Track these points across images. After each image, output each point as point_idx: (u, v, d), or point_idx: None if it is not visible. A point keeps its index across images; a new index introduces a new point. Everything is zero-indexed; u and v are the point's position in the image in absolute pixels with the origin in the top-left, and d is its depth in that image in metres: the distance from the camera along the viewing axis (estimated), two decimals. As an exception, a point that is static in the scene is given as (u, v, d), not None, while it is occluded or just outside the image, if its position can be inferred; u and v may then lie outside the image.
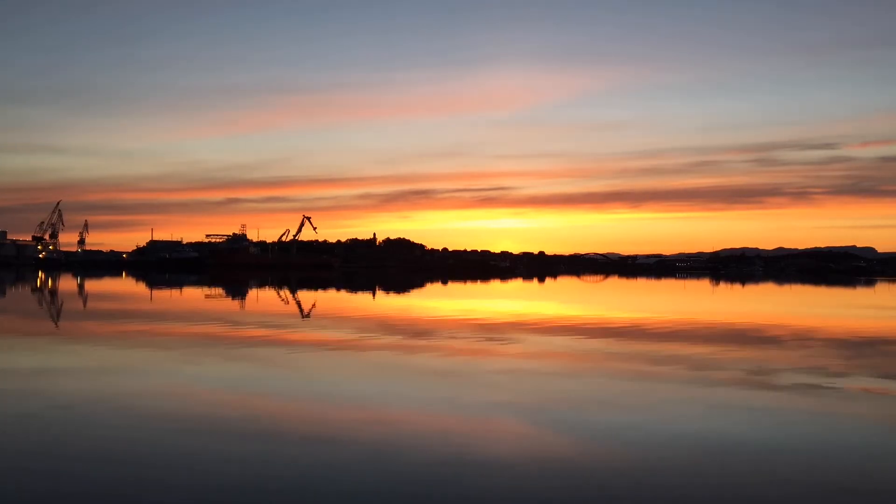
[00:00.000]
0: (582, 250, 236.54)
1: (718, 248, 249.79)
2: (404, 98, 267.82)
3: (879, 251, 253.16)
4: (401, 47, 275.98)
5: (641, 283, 72.91)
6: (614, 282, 76.60)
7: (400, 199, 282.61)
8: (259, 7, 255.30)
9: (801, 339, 17.11)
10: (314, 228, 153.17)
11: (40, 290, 41.01)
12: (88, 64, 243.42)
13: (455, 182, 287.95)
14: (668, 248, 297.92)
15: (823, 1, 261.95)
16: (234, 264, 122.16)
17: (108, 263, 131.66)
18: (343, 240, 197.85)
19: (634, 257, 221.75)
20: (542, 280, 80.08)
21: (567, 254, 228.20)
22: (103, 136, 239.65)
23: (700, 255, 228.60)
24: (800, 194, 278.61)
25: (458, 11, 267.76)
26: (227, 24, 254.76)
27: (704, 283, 71.41)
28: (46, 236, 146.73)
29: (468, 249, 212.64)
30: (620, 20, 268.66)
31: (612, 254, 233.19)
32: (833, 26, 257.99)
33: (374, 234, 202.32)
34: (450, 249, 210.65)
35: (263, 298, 35.22)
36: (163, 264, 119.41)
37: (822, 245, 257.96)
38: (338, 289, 46.77)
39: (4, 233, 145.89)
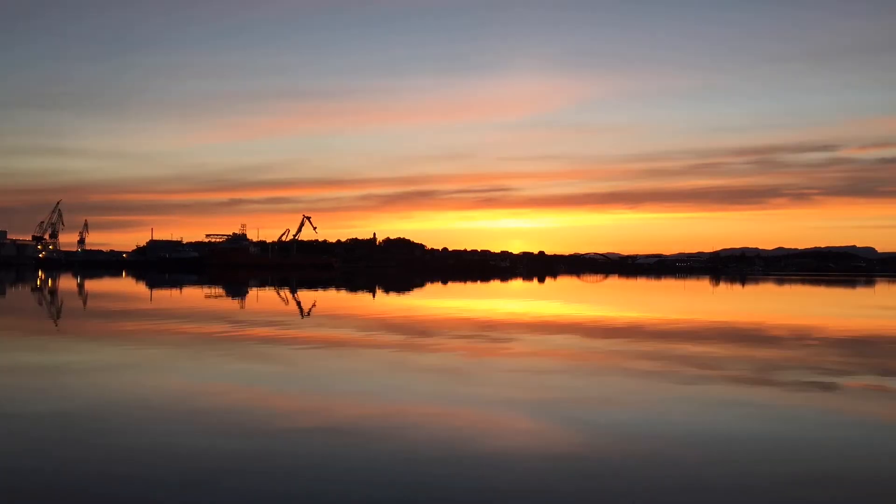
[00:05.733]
0: (582, 250, 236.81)
1: (718, 248, 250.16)
2: (407, 103, 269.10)
3: (879, 251, 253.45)
4: (404, 53, 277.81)
5: (641, 282, 72.91)
6: (614, 282, 76.59)
7: (401, 200, 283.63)
8: (264, 14, 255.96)
9: (802, 339, 17.12)
10: (314, 228, 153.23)
11: (40, 289, 41.01)
12: (94, 69, 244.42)
13: (456, 183, 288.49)
14: (668, 248, 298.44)
15: (823, 6, 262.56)
16: (234, 264, 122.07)
17: (108, 263, 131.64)
18: (343, 240, 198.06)
19: (634, 257, 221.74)
20: (542, 280, 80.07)
21: (567, 254, 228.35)
22: (109, 139, 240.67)
23: (700, 255, 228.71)
24: (800, 195, 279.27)
25: (462, 19, 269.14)
26: (232, 31, 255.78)
27: (704, 283, 71.41)
28: (46, 236, 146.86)
29: (468, 249, 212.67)
30: (622, 26, 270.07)
31: (612, 254, 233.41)
32: (832, 31, 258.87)
33: (374, 234, 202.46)
34: (450, 249, 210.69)
35: (264, 298, 35.22)
36: (163, 264, 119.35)
37: (822, 245, 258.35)
38: (338, 289, 46.77)
39: (4, 233, 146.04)
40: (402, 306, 29.22)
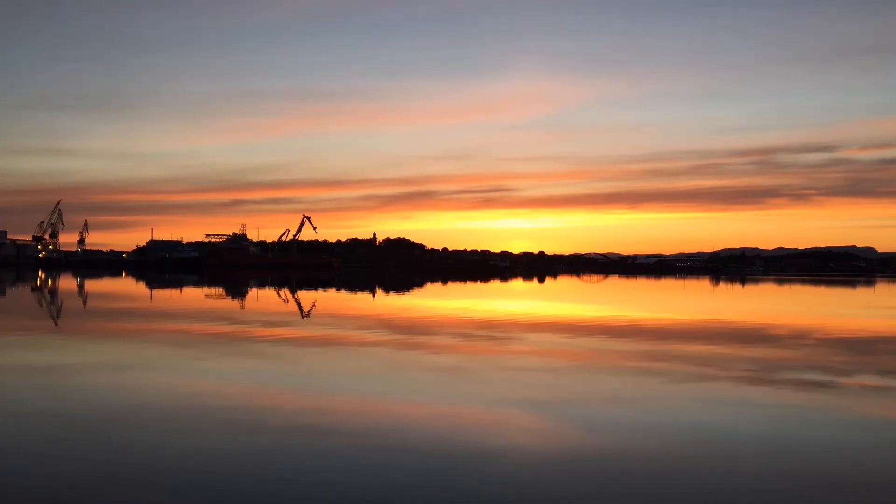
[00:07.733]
0: (582, 250, 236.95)
1: (718, 248, 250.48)
2: (407, 103, 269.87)
3: (879, 251, 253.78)
4: (404, 54, 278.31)
5: (641, 282, 72.90)
6: (614, 281, 76.59)
7: (401, 200, 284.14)
8: (264, 16, 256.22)
9: (802, 339, 17.12)
10: (314, 228, 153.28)
11: (40, 289, 40.99)
12: (95, 70, 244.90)
13: (456, 183, 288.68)
14: (668, 248, 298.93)
15: (823, 8, 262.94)
16: (234, 264, 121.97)
17: (108, 263, 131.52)
18: (343, 240, 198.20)
19: (634, 257, 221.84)
20: (542, 280, 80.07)
21: (567, 254, 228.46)
22: (109, 139, 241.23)
23: (700, 255, 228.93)
24: (799, 196, 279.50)
25: (462, 20, 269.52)
26: (233, 33, 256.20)
27: (704, 283, 71.40)
28: (46, 236, 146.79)
29: (468, 249, 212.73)
30: (623, 28, 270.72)
31: (612, 254, 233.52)
32: (832, 33, 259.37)
33: (374, 234, 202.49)
34: (450, 249, 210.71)
35: (264, 298, 35.22)
36: (163, 264, 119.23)
37: (822, 245, 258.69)
38: (338, 289, 46.77)
39: (4, 233, 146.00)
40: (402, 306, 29.20)
